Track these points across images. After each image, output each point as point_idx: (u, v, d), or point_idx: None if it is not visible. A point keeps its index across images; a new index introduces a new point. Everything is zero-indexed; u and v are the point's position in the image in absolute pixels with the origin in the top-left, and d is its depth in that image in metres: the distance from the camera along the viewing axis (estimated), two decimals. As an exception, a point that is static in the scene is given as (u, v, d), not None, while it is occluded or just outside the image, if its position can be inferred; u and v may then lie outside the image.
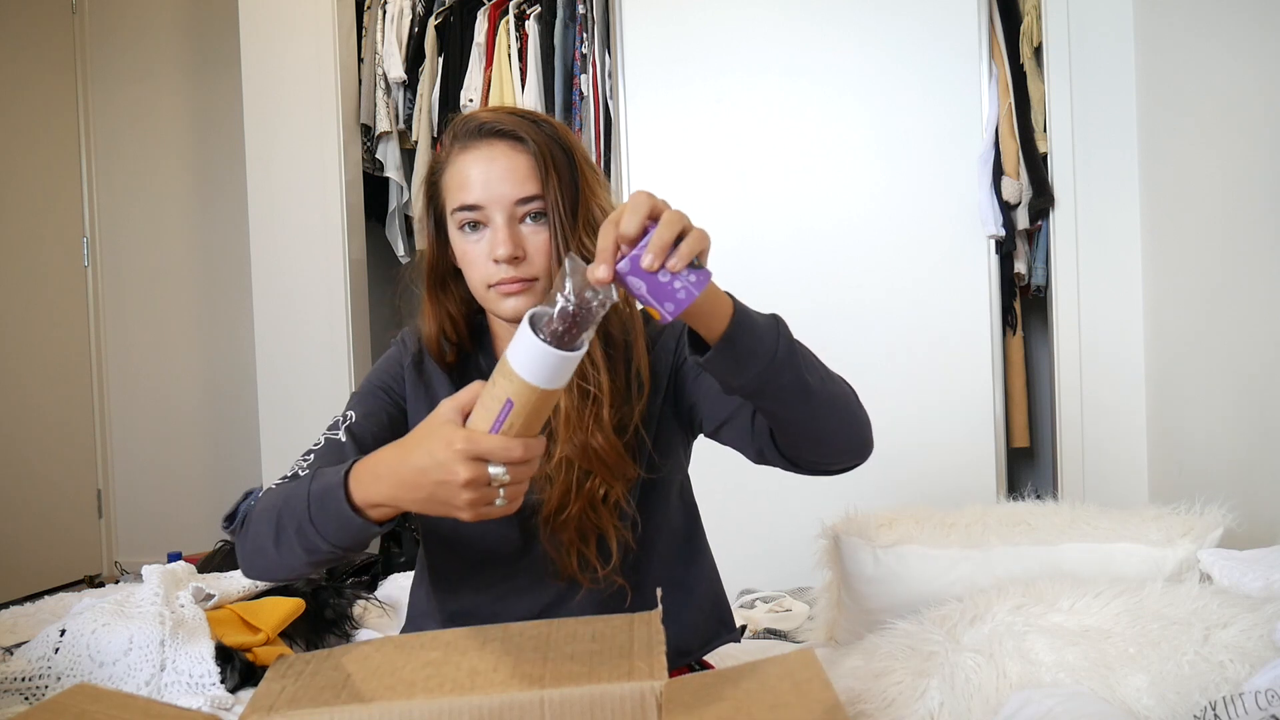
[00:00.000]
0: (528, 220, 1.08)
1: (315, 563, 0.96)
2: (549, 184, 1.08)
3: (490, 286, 1.08)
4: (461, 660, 0.86)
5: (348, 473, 0.91)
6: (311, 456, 1.09)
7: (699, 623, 1.24)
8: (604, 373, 1.10)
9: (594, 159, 2.85)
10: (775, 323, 0.96)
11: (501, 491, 0.81)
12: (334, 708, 0.80)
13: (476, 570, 1.19)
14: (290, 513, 0.95)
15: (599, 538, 1.13)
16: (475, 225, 1.08)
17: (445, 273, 1.18)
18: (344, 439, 1.11)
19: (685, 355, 1.15)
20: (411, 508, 0.87)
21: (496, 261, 1.07)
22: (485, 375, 1.17)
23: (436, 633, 0.95)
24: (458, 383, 1.19)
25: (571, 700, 0.79)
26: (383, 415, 1.17)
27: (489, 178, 1.07)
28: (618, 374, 1.13)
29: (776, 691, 0.81)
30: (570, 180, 1.10)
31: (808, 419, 1.00)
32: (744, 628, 1.32)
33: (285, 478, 1.07)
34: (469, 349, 1.21)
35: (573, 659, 0.84)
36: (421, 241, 1.21)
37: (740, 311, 0.92)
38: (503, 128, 1.09)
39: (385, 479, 0.87)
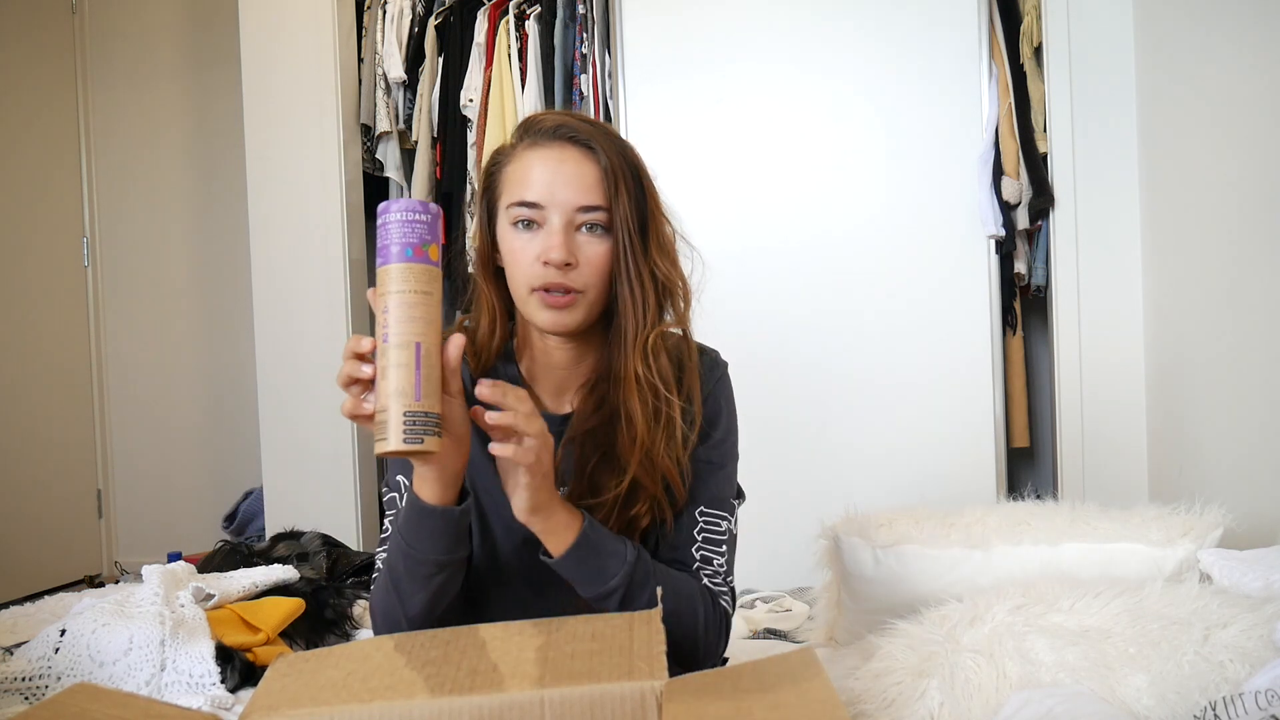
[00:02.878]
0: (584, 230, 1.06)
1: (435, 590, 1.03)
2: (617, 198, 1.06)
3: (534, 290, 1.06)
4: (461, 660, 0.86)
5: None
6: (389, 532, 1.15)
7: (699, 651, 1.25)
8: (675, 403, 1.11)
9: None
10: (620, 568, 1.03)
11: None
12: (334, 706, 0.80)
13: (500, 603, 1.17)
14: (399, 562, 1.03)
15: None
16: (529, 224, 1.06)
17: (492, 267, 1.15)
18: None
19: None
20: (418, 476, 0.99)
21: (546, 264, 1.04)
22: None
23: (436, 631, 0.95)
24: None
25: (572, 700, 0.79)
26: None
27: (555, 179, 1.05)
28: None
29: (776, 690, 0.81)
30: (639, 198, 1.08)
31: None
32: (725, 660, 1.34)
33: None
34: (497, 360, 1.17)
35: (573, 658, 0.84)
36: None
37: (577, 546, 1.01)
38: (577, 134, 1.07)
39: None
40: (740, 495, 1.20)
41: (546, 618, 0.95)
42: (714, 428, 1.16)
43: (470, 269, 1.18)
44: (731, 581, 1.16)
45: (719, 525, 1.14)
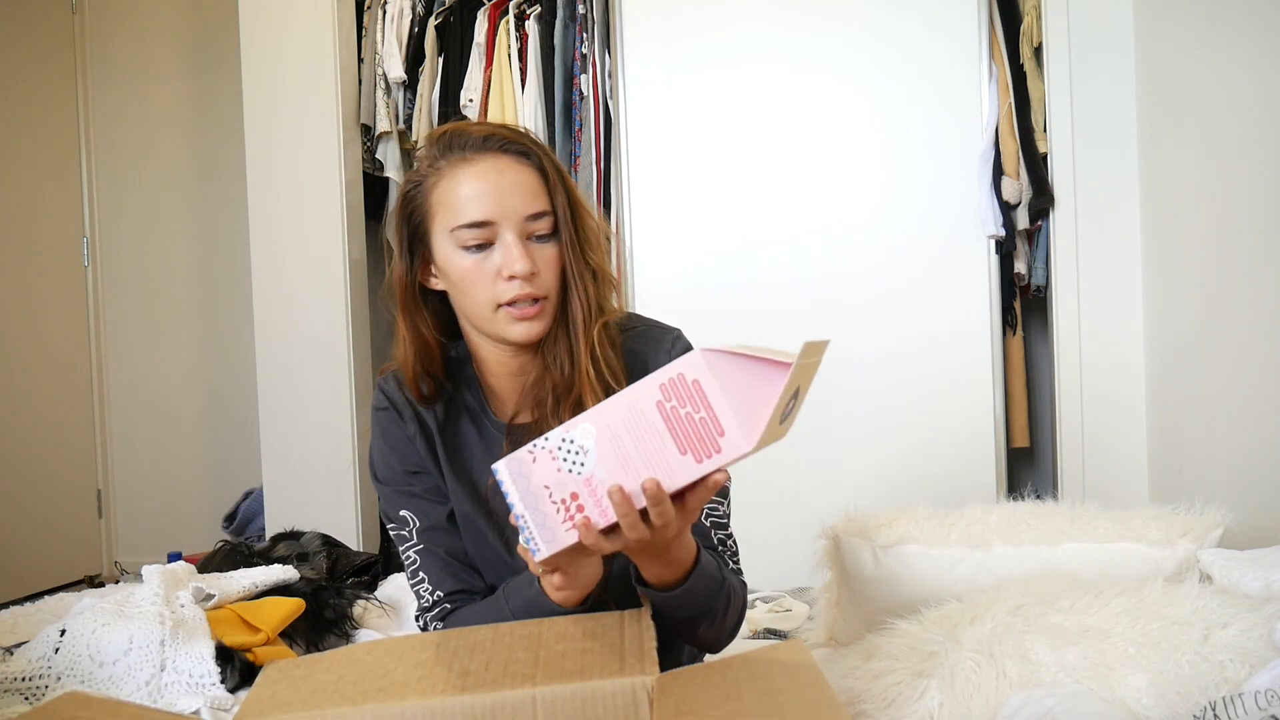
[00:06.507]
0: (534, 238, 1.05)
1: None
2: (557, 199, 1.06)
3: (500, 306, 1.04)
4: (453, 661, 0.86)
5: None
6: (422, 576, 1.13)
7: (684, 646, 1.25)
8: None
9: (594, 159, 2.86)
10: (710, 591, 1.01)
11: None
12: (325, 710, 0.80)
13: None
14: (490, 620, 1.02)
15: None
16: (481, 245, 1.04)
17: (417, 293, 1.12)
18: (432, 548, 1.13)
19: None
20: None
21: (511, 278, 1.03)
22: (473, 413, 1.15)
23: (426, 634, 0.95)
24: (445, 426, 1.14)
25: (563, 697, 0.79)
26: (433, 503, 1.15)
27: (499, 191, 1.03)
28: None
29: (767, 678, 0.81)
30: (570, 196, 1.08)
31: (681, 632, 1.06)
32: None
33: (429, 608, 1.11)
34: (446, 386, 1.15)
35: (564, 656, 0.84)
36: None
37: (690, 581, 0.97)
38: (509, 142, 1.06)
39: None
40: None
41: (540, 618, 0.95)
42: None
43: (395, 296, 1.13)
44: (739, 562, 1.16)
45: (719, 509, 1.13)
